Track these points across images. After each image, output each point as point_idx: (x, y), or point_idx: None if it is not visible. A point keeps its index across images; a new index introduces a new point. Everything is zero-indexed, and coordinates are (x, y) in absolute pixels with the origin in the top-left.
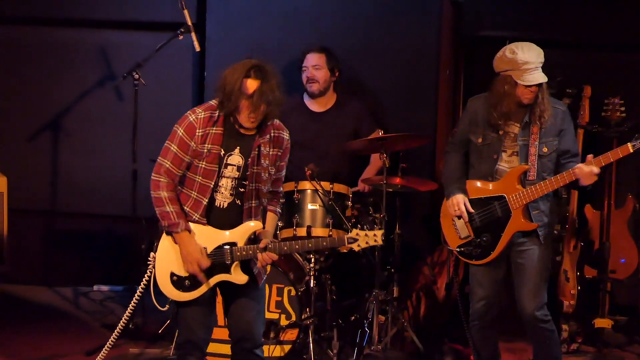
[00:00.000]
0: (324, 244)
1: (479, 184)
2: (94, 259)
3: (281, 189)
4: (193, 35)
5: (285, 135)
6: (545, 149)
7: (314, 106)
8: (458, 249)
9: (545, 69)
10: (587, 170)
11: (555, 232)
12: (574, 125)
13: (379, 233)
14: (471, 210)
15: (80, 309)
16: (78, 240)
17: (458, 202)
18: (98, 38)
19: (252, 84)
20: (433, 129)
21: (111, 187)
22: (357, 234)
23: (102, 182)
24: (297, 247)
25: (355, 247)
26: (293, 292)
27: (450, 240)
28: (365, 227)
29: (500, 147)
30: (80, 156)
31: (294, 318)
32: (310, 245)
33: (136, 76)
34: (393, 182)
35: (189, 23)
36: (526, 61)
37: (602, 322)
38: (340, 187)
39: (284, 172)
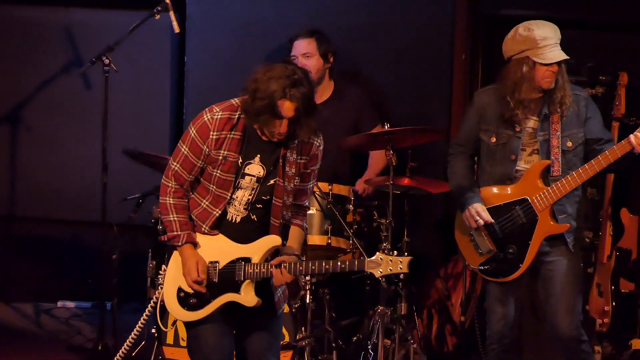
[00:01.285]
0: (342, 266)
1: (495, 189)
2: (59, 271)
3: (307, 202)
4: (172, 14)
5: (317, 141)
6: (569, 143)
7: None
8: (481, 268)
9: (575, 53)
10: None
11: (587, 239)
12: (610, 118)
13: (405, 260)
14: (491, 220)
15: (43, 329)
16: (40, 250)
17: (477, 212)
18: (63, 17)
19: (285, 105)
20: (446, 122)
21: (78, 188)
22: (380, 259)
23: (67, 183)
24: (313, 268)
25: (376, 273)
26: (286, 309)
27: (470, 258)
28: (393, 251)
29: (519, 145)
30: (43, 153)
31: (287, 339)
32: (327, 267)
33: (107, 61)
34: (401, 182)
35: (167, 1)
36: (544, 36)
37: None
38: (340, 189)
39: (310, 185)
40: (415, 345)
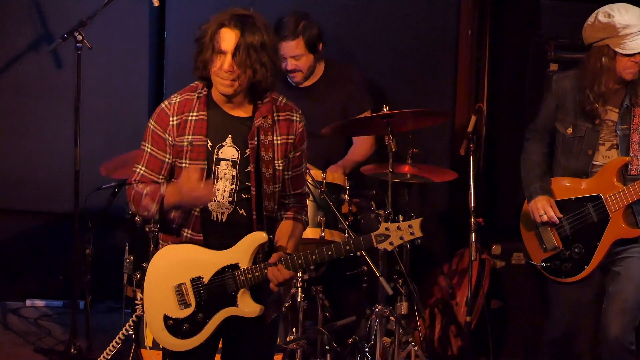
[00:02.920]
0: (347, 248)
1: (567, 182)
2: (27, 267)
3: (305, 189)
4: None
5: (296, 116)
6: None
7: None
8: (543, 264)
9: None
10: None
11: None
12: None
13: (416, 223)
14: (559, 214)
15: (10, 330)
16: (6, 244)
17: (544, 206)
18: None
19: (226, 35)
20: (451, 104)
21: (48, 177)
22: (386, 229)
23: (35, 171)
24: (313, 257)
25: (387, 246)
26: None
27: (533, 253)
28: (397, 217)
29: (597, 139)
30: (8, 138)
31: (277, 341)
32: (330, 252)
33: (79, 37)
34: (401, 170)
35: None
36: (626, 24)
37: None
38: (334, 177)
39: (304, 167)
40: (416, 348)
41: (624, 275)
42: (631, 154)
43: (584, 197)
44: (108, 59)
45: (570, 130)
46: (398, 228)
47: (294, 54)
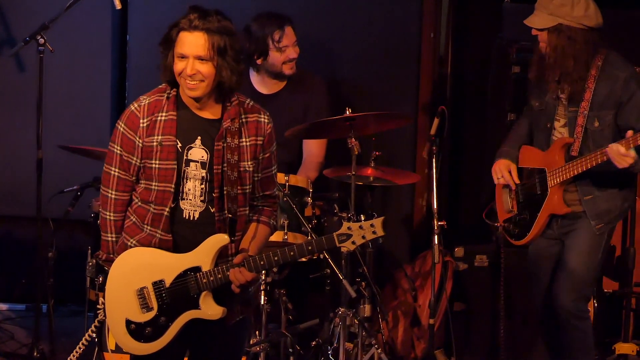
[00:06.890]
0: (309, 248)
1: (532, 152)
2: None
3: (275, 191)
4: None
5: (264, 118)
6: (596, 124)
7: (263, 87)
8: (503, 224)
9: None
10: (615, 149)
11: None
12: None
13: (378, 222)
14: (517, 180)
15: None
16: None
17: (501, 169)
18: None
19: (186, 39)
20: (414, 107)
21: (9, 180)
22: (349, 228)
23: None
24: (275, 258)
25: (349, 246)
26: None
27: (499, 213)
28: (359, 217)
29: (554, 114)
30: None
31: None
32: (292, 253)
33: (41, 41)
34: (364, 173)
35: None
36: None
37: (625, 348)
38: (297, 180)
39: (274, 169)
40: (379, 351)
41: (570, 247)
42: (574, 136)
43: (536, 169)
44: (70, 62)
45: (537, 104)
46: (360, 227)
47: (295, 40)
